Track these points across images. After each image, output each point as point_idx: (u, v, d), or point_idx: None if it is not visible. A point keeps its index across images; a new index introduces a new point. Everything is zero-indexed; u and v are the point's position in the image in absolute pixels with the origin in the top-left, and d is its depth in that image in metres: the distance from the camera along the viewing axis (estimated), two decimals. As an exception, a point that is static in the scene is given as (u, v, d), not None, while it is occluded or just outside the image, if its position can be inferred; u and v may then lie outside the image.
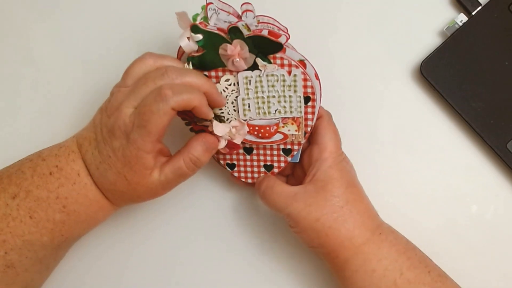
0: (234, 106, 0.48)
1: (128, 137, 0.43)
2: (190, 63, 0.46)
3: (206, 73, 0.47)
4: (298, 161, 0.51)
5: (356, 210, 0.47)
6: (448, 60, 0.54)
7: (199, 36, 0.45)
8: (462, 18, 0.54)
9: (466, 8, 0.54)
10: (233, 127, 0.48)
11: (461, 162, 0.54)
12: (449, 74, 0.54)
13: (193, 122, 0.48)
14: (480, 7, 0.54)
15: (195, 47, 0.46)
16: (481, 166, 0.54)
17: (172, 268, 0.55)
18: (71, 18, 0.58)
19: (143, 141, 0.43)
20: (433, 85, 0.54)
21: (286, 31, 0.47)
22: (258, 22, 0.47)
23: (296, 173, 0.53)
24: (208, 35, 0.45)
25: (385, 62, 0.56)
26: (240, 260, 0.55)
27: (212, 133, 0.47)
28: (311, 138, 0.50)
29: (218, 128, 0.47)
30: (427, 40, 0.55)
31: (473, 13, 0.54)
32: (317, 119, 0.49)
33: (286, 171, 0.53)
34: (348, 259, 0.46)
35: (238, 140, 0.48)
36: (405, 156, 0.55)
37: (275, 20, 0.48)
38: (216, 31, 0.45)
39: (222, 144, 0.47)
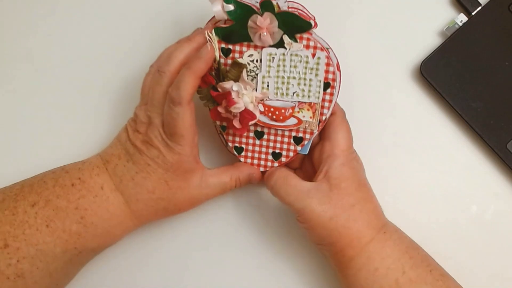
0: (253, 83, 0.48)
1: (167, 144, 0.46)
2: (214, 33, 0.47)
3: (231, 46, 0.47)
4: (307, 153, 0.50)
5: (365, 210, 0.47)
6: (448, 60, 0.54)
7: (231, 6, 0.45)
8: (462, 18, 0.54)
9: (466, 8, 0.54)
10: (255, 97, 0.48)
11: (461, 162, 0.54)
12: (449, 74, 0.54)
13: (211, 89, 0.48)
14: (480, 7, 0.54)
15: (226, 16, 0.46)
16: (481, 166, 0.54)
17: (178, 272, 0.55)
18: (72, 16, 0.58)
19: (181, 146, 0.46)
20: (433, 85, 0.54)
21: (313, 19, 0.48)
22: (288, 7, 0.47)
23: (305, 168, 0.53)
24: (239, 6, 0.45)
25: (385, 62, 0.56)
26: (240, 258, 0.55)
27: (229, 94, 0.46)
28: (323, 134, 0.50)
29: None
30: (427, 40, 0.55)
31: (473, 13, 0.54)
32: (331, 115, 0.49)
33: (295, 165, 0.53)
34: (353, 258, 0.46)
35: (255, 111, 0.48)
36: (404, 156, 0.55)
37: (304, 7, 0.48)
38: (248, 3, 0.45)
39: (240, 105, 0.47)
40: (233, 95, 0.47)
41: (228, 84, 0.47)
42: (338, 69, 0.48)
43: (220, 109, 0.48)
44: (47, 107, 0.57)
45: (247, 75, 0.48)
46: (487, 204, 0.54)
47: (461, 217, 0.54)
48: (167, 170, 0.47)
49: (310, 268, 0.54)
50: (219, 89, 0.47)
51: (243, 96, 0.47)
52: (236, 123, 0.48)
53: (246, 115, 0.47)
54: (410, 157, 0.55)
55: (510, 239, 0.54)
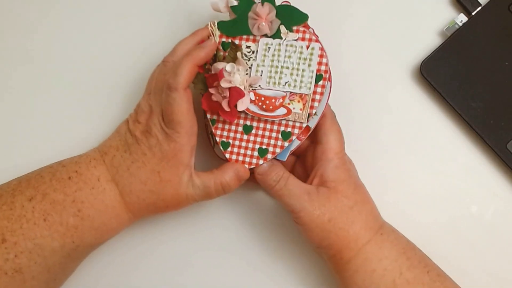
0: (247, 74, 0.49)
1: (164, 132, 0.46)
2: (217, 25, 0.49)
3: (230, 40, 0.49)
4: (285, 159, 0.50)
5: (363, 211, 0.47)
6: (448, 60, 0.54)
7: (234, 2, 0.48)
8: (462, 18, 0.54)
9: (466, 8, 0.54)
10: (246, 80, 0.49)
11: (461, 162, 0.54)
12: (449, 74, 0.54)
13: (205, 72, 0.49)
14: (480, 7, 0.54)
15: (224, 10, 0.49)
16: (481, 166, 0.54)
17: (175, 274, 0.55)
18: (71, 15, 0.58)
19: (178, 133, 0.46)
20: (433, 85, 0.54)
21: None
22: None
23: (297, 172, 0.52)
24: (243, 1, 0.48)
25: (385, 62, 0.56)
26: (237, 260, 0.55)
27: (221, 73, 0.47)
28: (315, 137, 0.50)
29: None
30: (427, 40, 0.55)
31: (473, 13, 0.54)
32: (321, 117, 0.49)
33: (286, 169, 0.52)
34: (350, 260, 0.46)
35: (245, 90, 0.48)
36: (404, 156, 0.55)
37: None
38: None
39: (231, 79, 0.47)
40: (225, 74, 0.48)
41: (221, 65, 0.48)
42: (329, 79, 0.49)
43: (211, 90, 0.48)
44: (47, 107, 0.57)
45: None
46: (487, 204, 0.54)
47: (461, 217, 0.54)
48: (161, 160, 0.46)
49: (308, 270, 0.54)
50: (213, 71, 0.49)
51: (235, 75, 0.48)
52: (225, 105, 0.48)
53: (235, 93, 0.48)
54: (410, 157, 0.55)
55: (510, 239, 0.53)
